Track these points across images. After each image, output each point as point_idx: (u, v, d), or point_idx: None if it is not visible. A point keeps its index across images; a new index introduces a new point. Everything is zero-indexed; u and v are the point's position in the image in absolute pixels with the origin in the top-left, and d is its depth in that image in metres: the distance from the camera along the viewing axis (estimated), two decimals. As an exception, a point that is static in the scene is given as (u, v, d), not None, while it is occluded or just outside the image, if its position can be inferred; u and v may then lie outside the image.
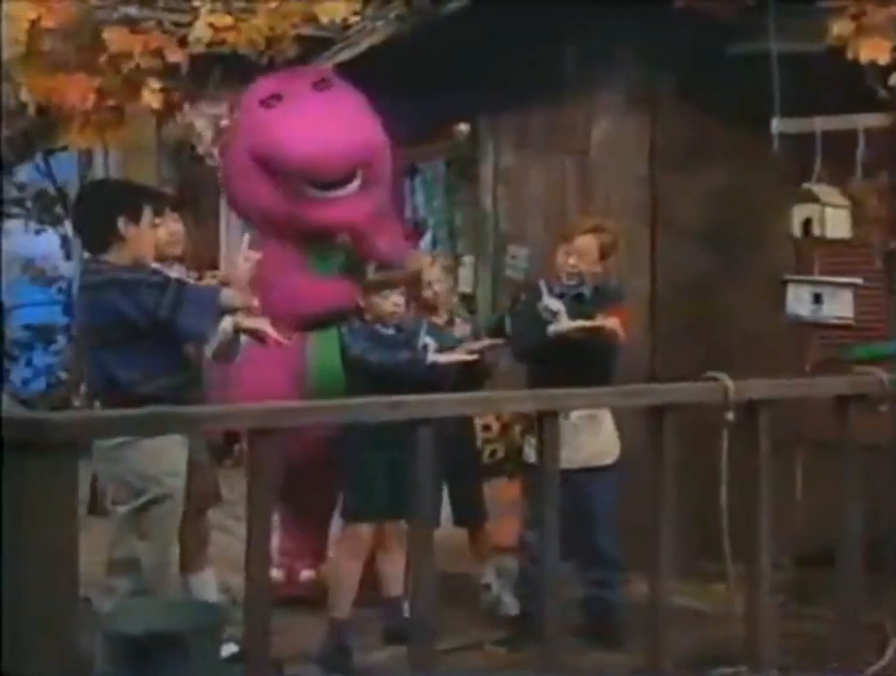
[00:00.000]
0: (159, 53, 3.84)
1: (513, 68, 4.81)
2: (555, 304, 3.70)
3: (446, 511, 4.04)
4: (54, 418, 2.06)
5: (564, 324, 3.65)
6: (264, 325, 3.30)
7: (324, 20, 3.98)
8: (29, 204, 8.01)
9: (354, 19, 5.20)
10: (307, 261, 4.16)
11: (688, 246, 4.49)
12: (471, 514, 4.16)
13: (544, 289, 3.78)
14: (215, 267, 6.81)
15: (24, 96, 3.91)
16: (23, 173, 7.94)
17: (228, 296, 3.12)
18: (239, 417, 2.23)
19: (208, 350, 3.34)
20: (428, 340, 3.64)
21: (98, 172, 6.89)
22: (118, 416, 2.25)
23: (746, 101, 4.28)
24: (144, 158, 6.81)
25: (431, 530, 2.46)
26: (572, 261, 3.78)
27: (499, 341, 3.91)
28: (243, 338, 3.43)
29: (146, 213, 3.15)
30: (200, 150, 6.97)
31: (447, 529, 4.24)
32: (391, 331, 3.71)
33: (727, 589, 3.02)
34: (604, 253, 3.83)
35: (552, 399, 2.53)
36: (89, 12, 4.14)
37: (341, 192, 4.07)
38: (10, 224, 8.17)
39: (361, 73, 5.08)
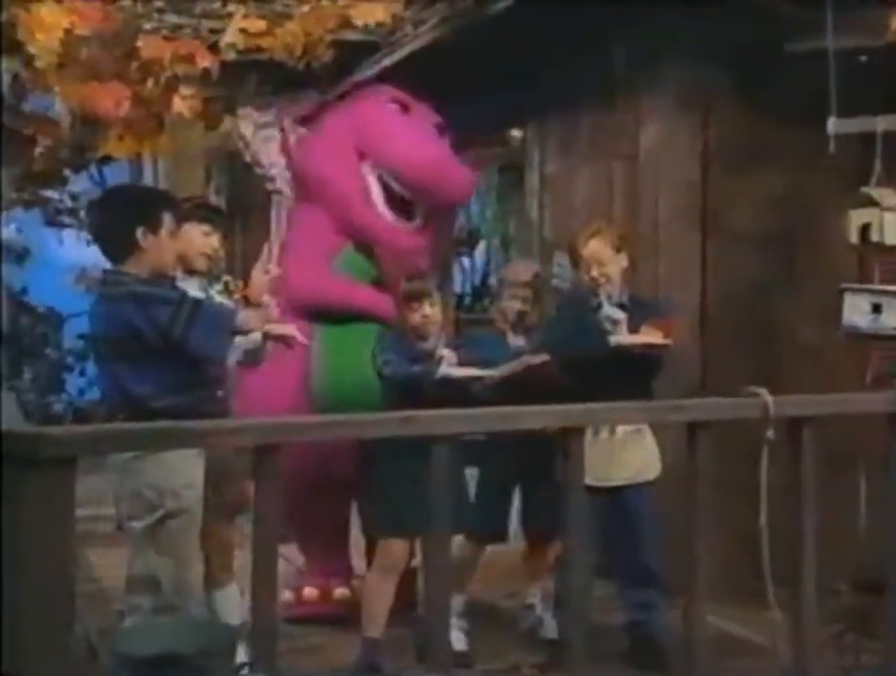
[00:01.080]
0: (190, 59, 3.85)
1: (559, 70, 4.74)
2: (617, 314, 3.62)
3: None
4: (50, 432, 2.06)
5: (629, 337, 3.57)
6: (292, 331, 3.36)
7: (359, 23, 3.96)
8: (83, 213, 8.17)
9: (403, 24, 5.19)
10: (340, 259, 4.22)
11: (741, 253, 4.36)
12: (542, 528, 4.04)
13: (604, 298, 3.69)
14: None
15: (59, 105, 3.96)
16: (78, 183, 8.09)
17: (244, 318, 3.09)
18: (243, 432, 2.20)
19: (232, 358, 3.38)
20: (445, 352, 3.58)
21: (147, 181, 7.00)
22: (115, 431, 2.25)
23: (804, 101, 4.14)
24: (193, 166, 6.89)
25: (448, 550, 2.40)
26: (594, 273, 3.71)
27: (546, 356, 3.84)
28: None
29: (166, 221, 3.13)
30: (247, 158, 7.01)
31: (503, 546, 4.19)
32: (426, 345, 3.68)
33: (769, 616, 2.90)
34: (618, 249, 3.75)
35: (576, 415, 2.46)
36: (130, 20, 4.19)
37: (408, 224, 4.17)
38: (64, 234, 8.36)
39: (404, 78, 5.07)
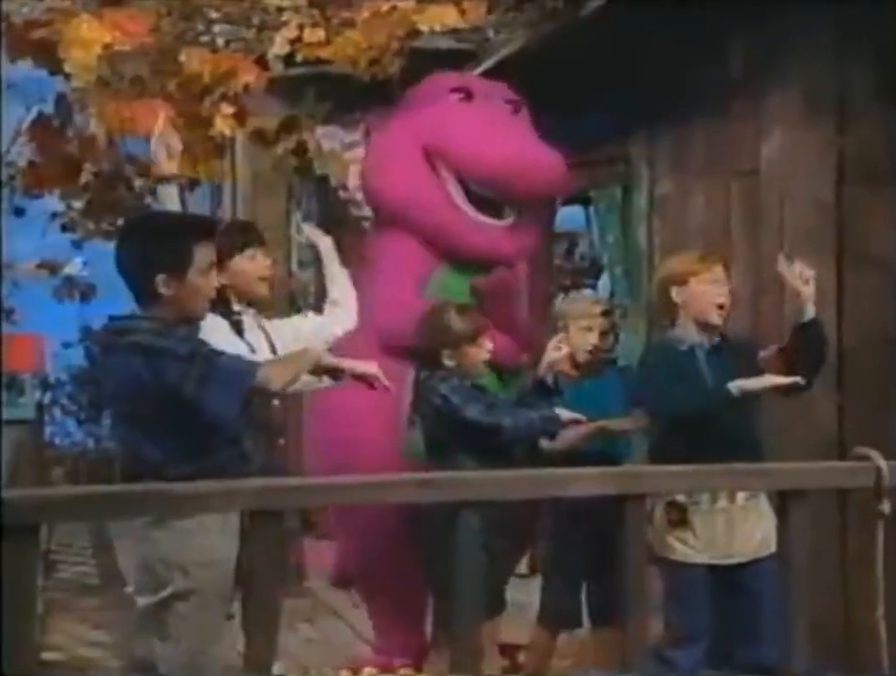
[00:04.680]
0: (233, 73, 3.90)
1: (667, 74, 4.62)
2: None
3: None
4: (8, 498, 2.07)
5: (753, 380, 3.33)
6: (373, 369, 3.18)
7: (424, 28, 3.94)
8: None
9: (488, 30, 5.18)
10: (433, 285, 4.20)
11: (885, 285, 4.13)
12: (602, 614, 3.93)
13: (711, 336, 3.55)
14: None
15: (94, 125, 4.06)
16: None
17: (266, 376, 2.93)
18: (233, 495, 2.15)
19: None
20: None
21: (225, 207, 7.15)
22: (85, 495, 2.24)
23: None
24: (274, 190, 6.98)
25: (478, 631, 2.30)
26: (721, 300, 3.53)
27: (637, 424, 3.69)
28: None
29: (199, 257, 2.97)
30: (332, 182, 7.07)
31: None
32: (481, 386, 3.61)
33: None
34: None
35: (634, 479, 2.32)
36: (179, 35, 4.29)
37: (497, 221, 4.16)
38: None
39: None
